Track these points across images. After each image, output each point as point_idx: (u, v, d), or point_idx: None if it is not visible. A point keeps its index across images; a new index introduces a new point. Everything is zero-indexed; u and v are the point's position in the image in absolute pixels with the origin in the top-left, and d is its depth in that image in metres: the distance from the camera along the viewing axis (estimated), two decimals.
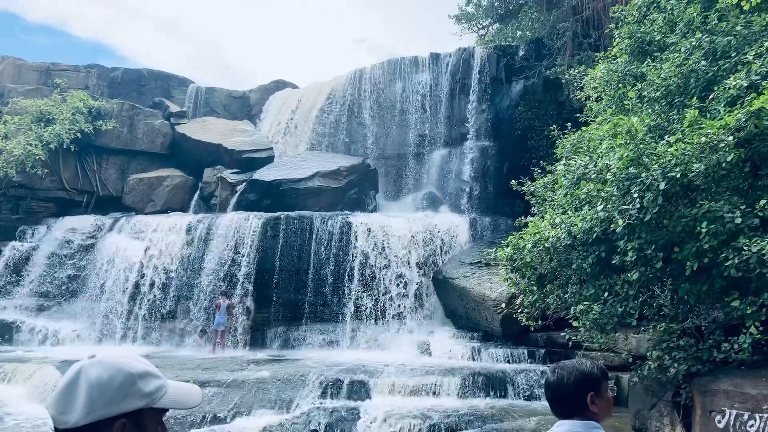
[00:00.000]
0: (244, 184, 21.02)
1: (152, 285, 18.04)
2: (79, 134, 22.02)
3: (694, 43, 8.49)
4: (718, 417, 6.56)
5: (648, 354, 7.71)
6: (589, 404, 2.45)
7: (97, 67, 26.73)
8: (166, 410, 1.71)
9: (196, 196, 22.70)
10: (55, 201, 22.33)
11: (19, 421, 10.96)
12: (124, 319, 17.80)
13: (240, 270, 17.59)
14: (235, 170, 22.06)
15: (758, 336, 6.43)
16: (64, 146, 21.81)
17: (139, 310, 17.84)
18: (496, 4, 25.71)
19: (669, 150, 6.89)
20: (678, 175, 6.67)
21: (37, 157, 21.22)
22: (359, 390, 11.75)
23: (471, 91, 22.26)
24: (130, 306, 17.93)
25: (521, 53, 21.67)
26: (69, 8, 71.12)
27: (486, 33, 27.34)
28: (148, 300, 17.90)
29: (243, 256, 17.67)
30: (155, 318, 17.80)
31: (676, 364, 7.13)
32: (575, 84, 13.97)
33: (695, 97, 7.97)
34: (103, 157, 23.20)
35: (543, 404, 11.35)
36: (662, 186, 6.68)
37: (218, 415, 10.65)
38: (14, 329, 17.63)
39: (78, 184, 22.74)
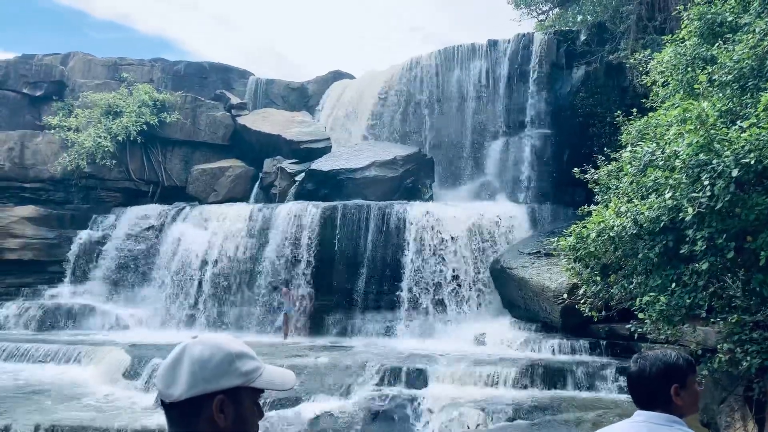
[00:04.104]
0: (302, 174, 21.33)
1: (215, 272, 18.58)
2: (145, 126, 22.79)
3: None
4: None
5: (718, 347, 7.45)
6: (674, 396, 2.38)
7: (160, 60, 27.55)
8: (262, 391, 1.78)
9: (256, 186, 23.19)
10: (123, 191, 23.21)
11: (99, 402, 11.52)
12: (189, 304, 18.41)
13: (300, 258, 17.91)
14: (293, 160, 22.40)
15: None
16: (131, 138, 22.62)
17: (203, 296, 18.41)
18: None
19: (742, 135, 6.61)
20: (752, 162, 6.39)
21: (106, 149, 22.10)
22: (417, 378, 11.82)
23: (530, 78, 21.84)
24: (194, 292, 18.53)
25: (582, 38, 21.11)
26: (133, 4, 73.48)
27: (546, 18, 26.76)
28: (211, 286, 18.45)
29: (302, 244, 17.98)
30: (218, 303, 18.34)
31: (748, 358, 6.86)
32: (640, 69, 13.53)
33: None
34: (167, 148, 23.95)
35: (605, 396, 11.15)
36: (735, 173, 6.42)
37: (279, 399, 10.90)
38: (86, 314, 18.48)
39: (144, 174, 23.57)
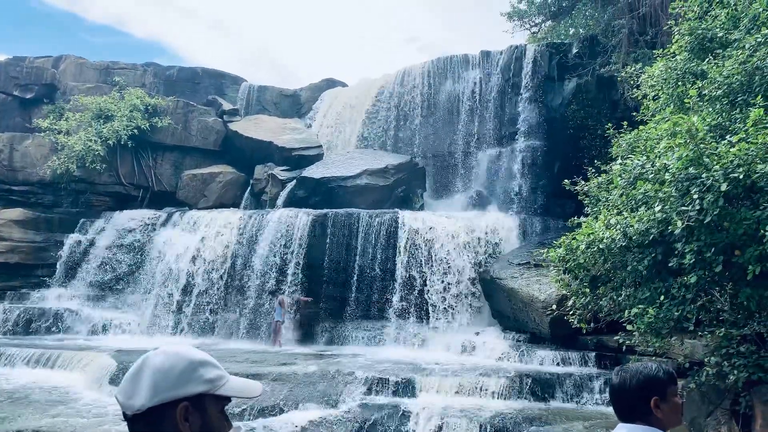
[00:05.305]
0: (293, 181, 21.31)
1: (204, 278, 18.47)
2: (136, 131, 22.70)
3: (759, 40, 8.18)
4: None
5: (706, 360, 7.48)
6: (653, 409, 2.38)
7: (153, 65, 27.48)
8: (228, 401, 1.76)
9: (247, 193, 23.12)
10: (113, 195, 23.08)
11: (84, 408, 11.38)
12: (176, 310, 18.27)
13: (289, 265, 17.83)
14: (285, 167, 22.37)
15: None
16: (122, 142, 22.52)
17: (191, 303, 18.28)
18: (549, 1, 25.30)
19: (731, 150, 6.66)
20: (740, 176, 6.44)
21: (96, 153, 21.98)
22: (405, 388, 11.76)
23: (522, 89, 21.95)
24: (182, 298, 18.39)
25: (574, 51, 21.26)
26: (127, 9, 73.40)
27: (538, 30, 26.95)
28: (200, 292, 18.32)
29: (292, 251, 17.91)
30: (206, 310, 18.22)
31: (735, 371, 6.89)
32: (631, 82, 13.64)
33: (760, 96, 7.68)
34: (158, 153, 23.85)
35: (592, 408, 11.15)
36: (723, 187, 6.46)
37: (265, 408, 10.81)
38: (73, 318, 18.30)
39: (134, 179, 23.45)
